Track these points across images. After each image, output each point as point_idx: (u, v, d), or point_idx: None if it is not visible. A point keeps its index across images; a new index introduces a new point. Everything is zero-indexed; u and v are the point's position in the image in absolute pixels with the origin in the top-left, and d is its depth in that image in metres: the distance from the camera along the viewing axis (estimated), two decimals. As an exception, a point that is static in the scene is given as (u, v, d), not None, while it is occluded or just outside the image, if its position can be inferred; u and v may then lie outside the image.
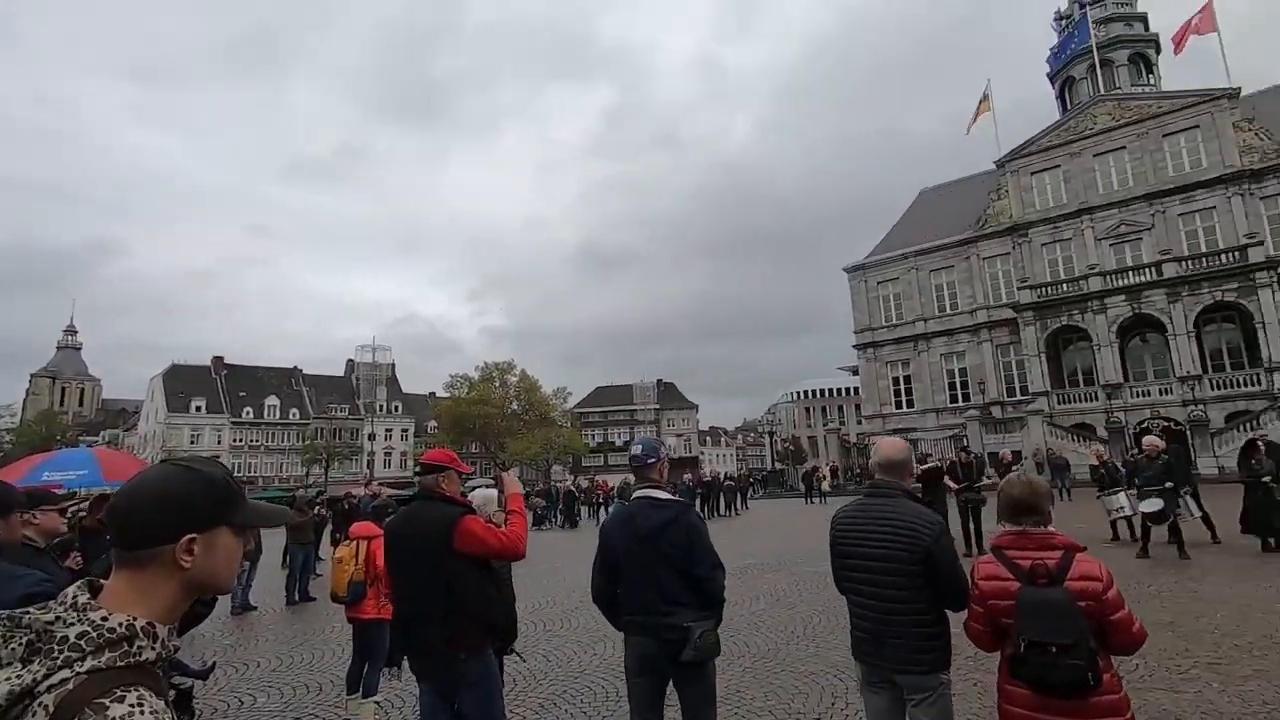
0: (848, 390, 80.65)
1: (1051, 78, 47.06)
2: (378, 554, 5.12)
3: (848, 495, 31.49)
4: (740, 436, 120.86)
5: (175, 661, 1.14)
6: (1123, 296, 33.61)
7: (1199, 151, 35.53)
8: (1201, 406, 30.43)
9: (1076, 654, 2.31)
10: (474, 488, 4.87)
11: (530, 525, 4.12)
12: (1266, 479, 10.69)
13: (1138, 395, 33.21)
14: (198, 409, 70.38)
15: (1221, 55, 35.73)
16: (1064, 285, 36.07)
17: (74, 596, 1.02)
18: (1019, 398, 37.65)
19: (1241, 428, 27.53)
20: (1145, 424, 30.23)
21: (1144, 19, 44.94)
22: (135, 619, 1.01)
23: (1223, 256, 32.01)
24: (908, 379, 43.32)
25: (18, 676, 0.93)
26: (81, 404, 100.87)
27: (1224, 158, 34.58)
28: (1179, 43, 36.92)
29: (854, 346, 46.18)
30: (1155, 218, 36.13)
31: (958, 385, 41.31)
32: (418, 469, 3.76)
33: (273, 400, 75.17)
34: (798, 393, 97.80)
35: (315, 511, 14.23)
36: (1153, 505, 10.63)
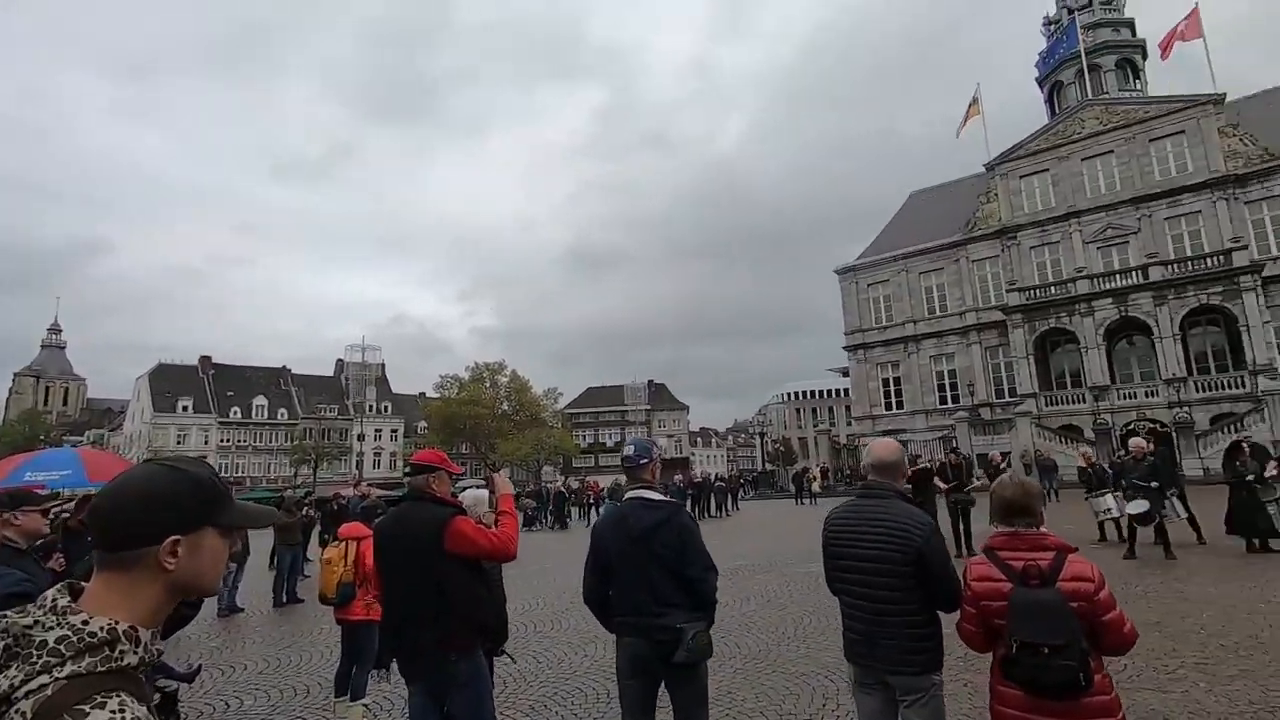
0: (838, 392, 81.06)
1: (1040, 82, 47.47)
2: (367, 555, 5.08)
3: (838, 496, 31.56)
4: (731, 437, 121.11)
5: (160, 664, 1.11)
6: (1110, 299, 33.93)
7: (1185, 156, 35.94)
8: (1187, 408, 30.75)
9: (1068, 655, 2.31)
10: (464, 488, 4.84)
11: (520, 526, 4.09)
12: (1249, 478, 10.82)
13: (1124, 397, 33.53)
14: (185, 409, 69.72)
15: (1207, 61, 36.19)
16: (1052, 288, 36.38)
17: (53, 599, 0.99)
18: (1008, 399, 37.92)
19: (1226, 429, 27.84)
20: (1132, 426, 30.52)
21: (1131, 25, 45.43)
22: (117, 622, 0.99)
23: (1208, 260, 32.39)
24: (897, 380, 43.53)
25: None
26: (66, 404, 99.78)
27: (1209, 162, 34.98)
28: (1165, 49, 37.33)
29: (844, 348, 46.38)
30: (1142, 221, 36.50)
31: (947, 387, 41.55)
32: (408, 469, 3.73)
33: (261, 400, 74.56)
34: (788, 394, 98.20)
35: (303, 512, 14.12)
36: (1139, 506, 10.74)
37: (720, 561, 3.33)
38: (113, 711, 0.90)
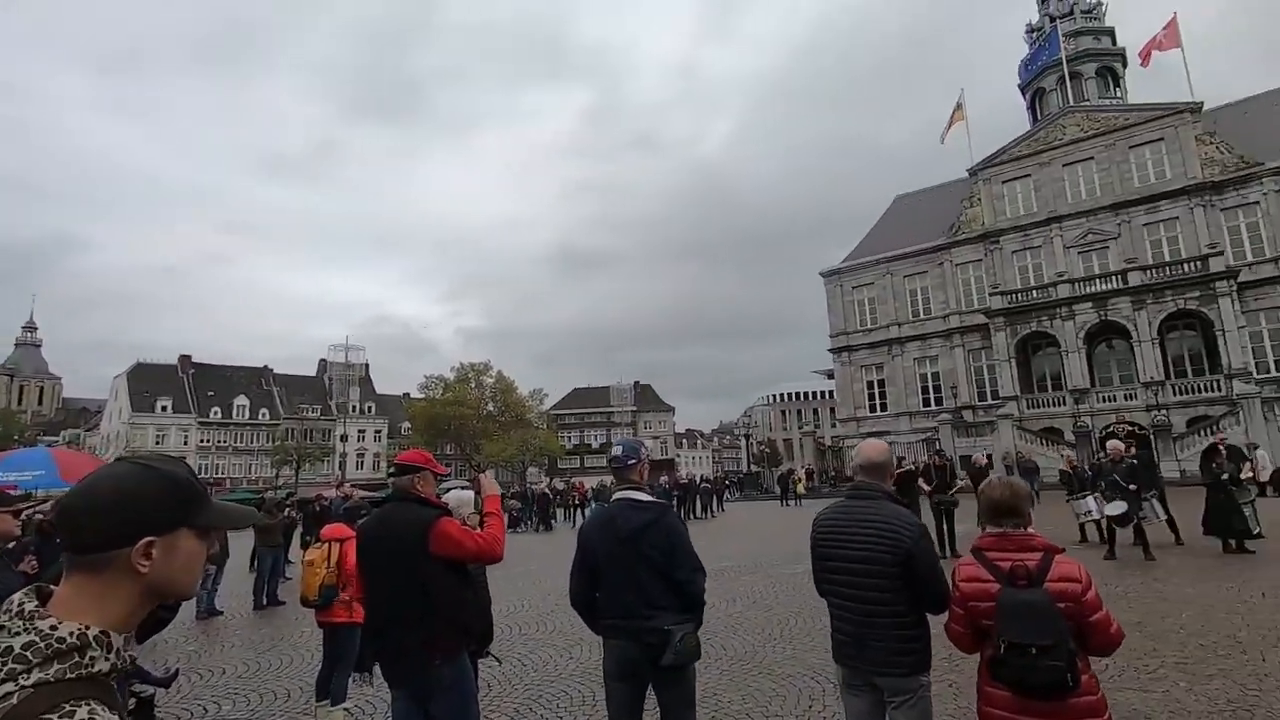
0: (823, 394, 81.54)
1: (1023, 89, 48.14)
2: (349, 556, 5.01)
3: (823, 497, 31.74)
4: (716, 439, 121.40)
5: (137, 669, 1.07)
6: (1090, 304, 34.42)
7: (1163, 163, 36.57)
8: (1164, 411, 31.25)
9: (1056, 655, 2.32)
10: (448, 489, 4.78)
11: (505, 527, 4.04)
12: (1224, 478, 11.01)
13: (1104, 400, 34.03)
14: (164, 409, 68.69)
15: (1185, 71, 36.90)
16: (1034, 292, 36.86)
17: (20, 604, 0.95)
18: (990, 402, 38.34)
19: (1202, 432, 28.33)
20: (1111, 428, 30.95)
21: (1111, 33, 46.20)
22: (87, 628, 0.95)
23: (1185, 266, 32.97)
24: (881, 383, 43.87)
25: None
26: (41, 403, 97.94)
27: (1187, 170, 35.63)
28: (1145, 57, 38.00)
29: (829, 350, 46.68)
30: (1121, 227, 37.08)
31: (930, 389, 41.94)
32: (392, 470, 3.67)
33: (242, 400, 73.65)
34: (773, 396, 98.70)
35: (285, 514, 13.94)
36: (1117, 508, 10.90)
37: (706, 563, 3.31)
38: (81, 720, 0.86)
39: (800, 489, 33.26)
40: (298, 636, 8.67)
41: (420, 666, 3.13)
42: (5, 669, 0.88)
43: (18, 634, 0.91)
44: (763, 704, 5.20)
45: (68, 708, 0.87)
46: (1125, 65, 45.20)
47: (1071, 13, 46.62)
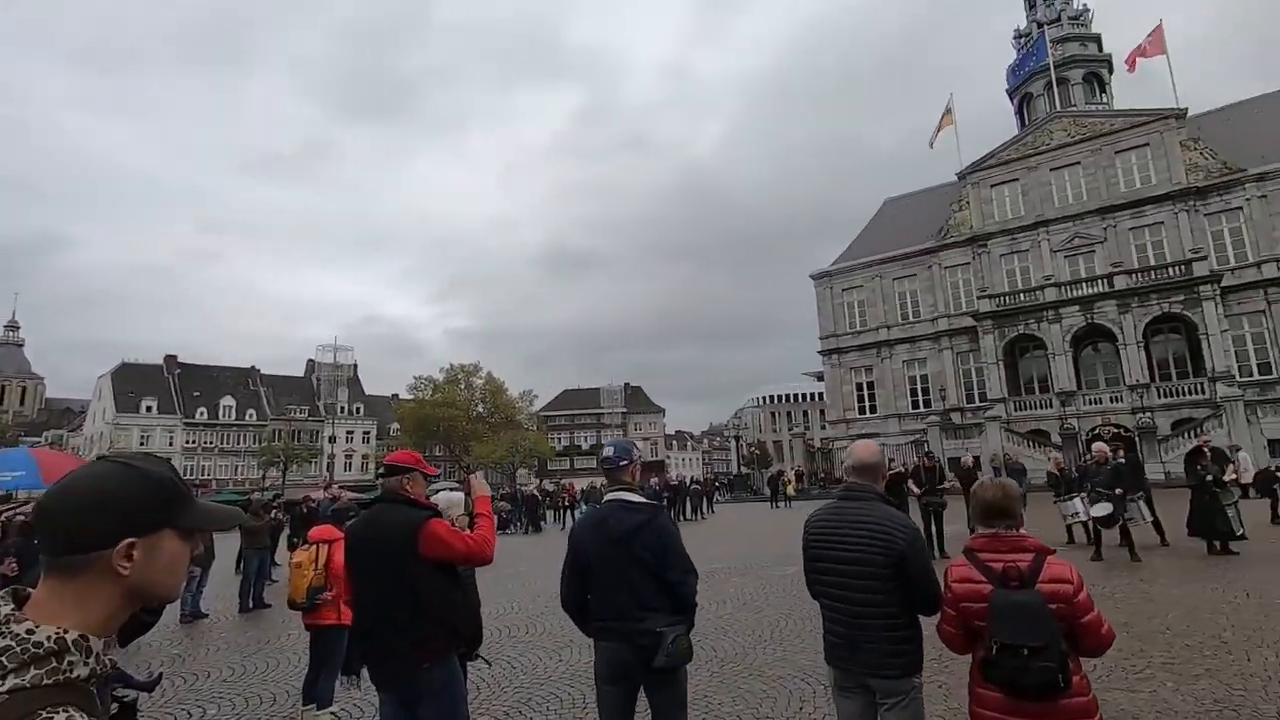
0: (813, 396, 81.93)
1: (1011, 94, 48.56)
2: (337, 557, 4.96)
3: (812, 499, 31.84)
4: (706, 440, 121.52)
5: (119, 673, 1.04)
6: (1076, 307, 34.75)
7: (1149, 169, 37.01)
8: (1149, 414, 31.60)
9: (1048, 656, 2.32)
10: (437, 490, 4.74)
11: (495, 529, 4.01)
12: (1209, 479, 11.12)
13: (1090, 403, 34.34)
14: (149, 409, 67.90)
15: (1170, 77, 37.41)
16: (1021, 295, 37.18)
17: (-5, 607, 0.92)
18: (978, 404, 38.62)
19: (1186, 435, 28.65)
20: (1097, 430, 31.24)
21: (1098, 40, 46.71)
22: (66, 632, 0.92)
23: (1170, 270, 33.35)
24: (871, 385, 44.09)
25: None
26: (23, 403, 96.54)
27: (1171, 175, 36.08)
28: (1131, 64, 38.46)
29: (819, 352, 46.87)
30: (1107, 231, 37.48)
31: (919, 391, 42.18)
32: (381, 471, 3.64)
33: (228, 400, 72.92)
34: (763, 398, 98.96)
35: (271, 515, 13.81)
36: (1102, 509, 11.00)
37: (696, 565, 3.30)
38: (59, 727, 0.84)
39: (790, 490, 33.35)
40: (284, 639, 8.59)
41: (409, 669, 3.10)
42: None
43: (-8, 639, 0.88)
44: (753, 706, 5.19)
45: (44, 714, 0.84)
46: (1111, 71, 45.73)
47: (1059, 19, 47.12)
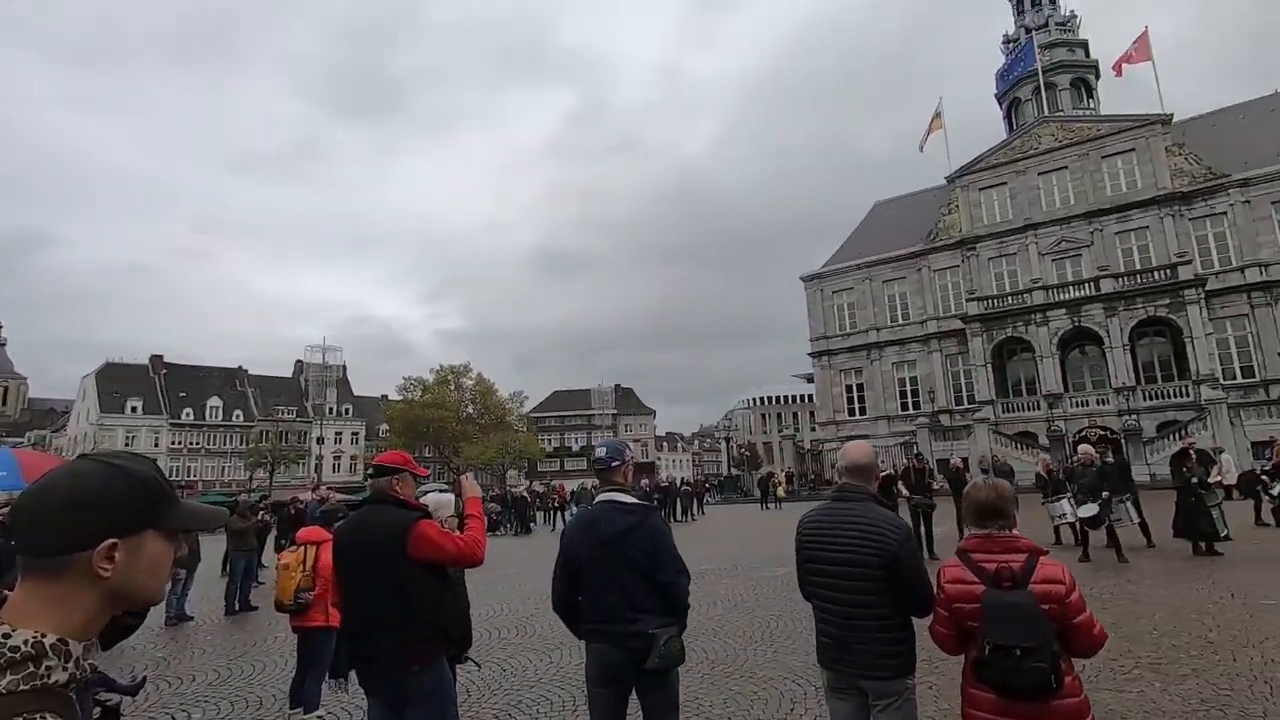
0: (803, 397, 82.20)
1: (999, 98, 48.97)
2: (325, 557, 4.90)
3: (802, 500, 31.93)
4: (697, 442, 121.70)
5: (101, 676, 1.01)
6: (1063, 310, 35.06)
7: (1135, 173, 37.43)
8: (1135, 416, 31.91)
9: (1040, 656, 2.32)
10: (426, 491, 4.69)
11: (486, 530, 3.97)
12: (1194, 481, 11.24)
13: (1076, 405, 34.64)
14: (134, 410, 67.18)
15: (1155, 83, 37.88)
16: (1009, 298, 37.48)
17: (-31, 611, 0.89)
18: (966, 406, 38.87)
19: (1171, 437, 28.96)
20: (1083, 432, 31.51)
21: (1085, 46, 47.20)
22: (43, 636, 0.89)
23: (1155, 274, 33.73)
24: (860, 387, 44.29)
25: None
26: (5, 403, 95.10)
27: (1157, 180, 36.49)
28: (1117, 70, 38.89)
29: (809, 354, 47.01)
30: (1094, 235, 37.86)
31: (908, 393, 42.41)
32: (370, 472, 3.60)
33: (215, 401, 72.27)
34: (753, 399, 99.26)
35: (258, 517, 13.69)
36: (1088, 510, 11.12)
37: (687, 566, 3.28)
38: (36, 735, 0.81)
39: (780, 492, 33.42)
40: (271, 642, 8.50)
41: (398, 672, 3.06)
42: None
43: (-34, 643, 0.85)
44: (744, 708, 5.18)
45: (21, 721, 0.82)
46: (1098, 77, 46.23)
47: (1046, 25, 47.56)
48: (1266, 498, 13.91)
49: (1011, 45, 49.40)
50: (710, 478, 61.54)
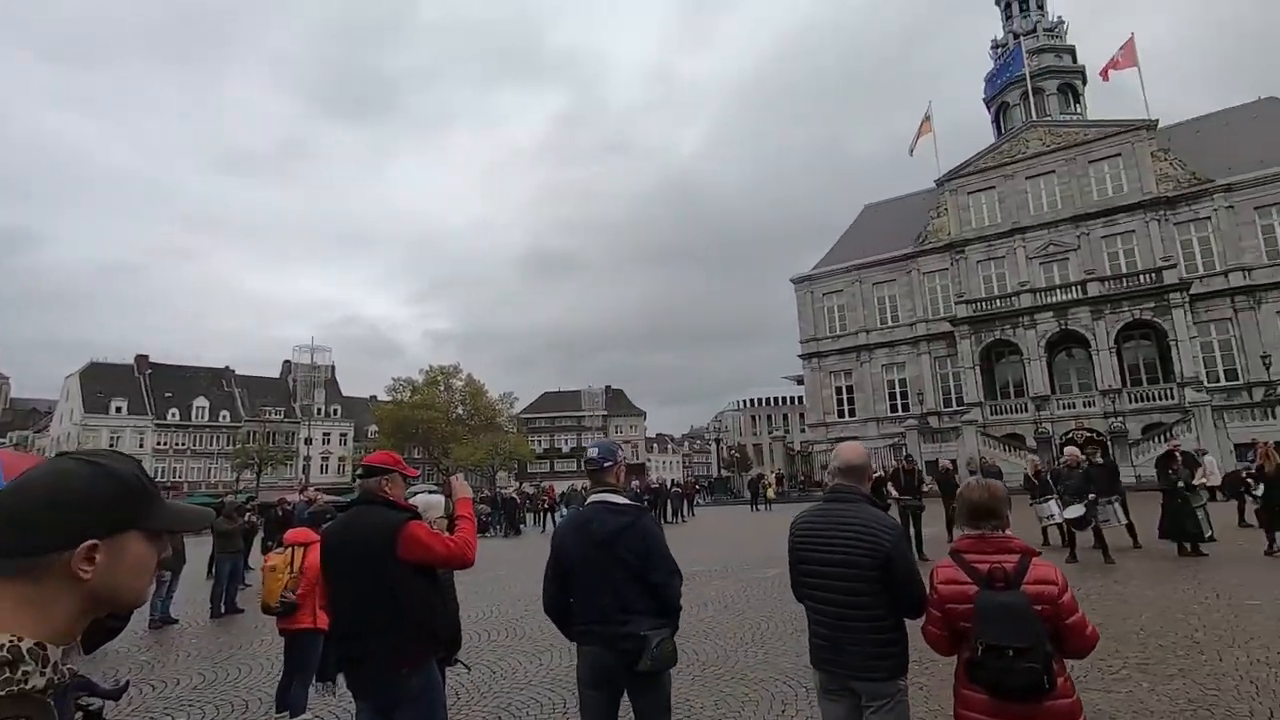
0: (793, 399, 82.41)
1: (988, 103, 49.38)
2: (312, 559, 4.85)
3: (792, 502, 32.00)
4: (687, 444, 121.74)
5: (83, 680, 0.98)
6: (1051, 313, 35.36)
7: (1121, 178, 37.84)
8: (1121, 418, 32.21)
9: (1033, 657, 2.32)
10: (415, 493, 4.64)
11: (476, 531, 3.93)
12: (1180, 484, 11.35)
13: (1063, 407, 34.94)
14: (118, 410, 66.38)
15: (1141, 89, 38.25)
16: (997, 301, 37.76)
17: (-57, 614, 0.86)
18: (955, 408, 39.12)
19: (1156, 439, 29.24)
20: (1070, 434, 31.77)
21: (1072, 51, 47.68)
22: (19, 639, 0.86)
23: (1141, 278, 34.09)
24: (850, 389, 44.47)
25: None
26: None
27: (1143, 185, 36.91)
28: (1104, 76, 39.32)
29: (799, 356, 47.17)
30: (1081, 239, 38.23)
31: (898, 395, 42.64)
32: (359, 473, 3.55)
33: (201, 401, 71.54)
34: (743, 401, 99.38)
35: (245, 519, 13.53)
36: (1075, 511, 11.21)
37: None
38: (11, 742, 0.78)
39: (770, 494, 33.48)
40: (257, 645, 8.41)
41: (386, 675, 3.03)
42: None
43: (-61, 647, 0.82)
44: (735, 709, 5.17)
45: (-5, 728, 0.79)
46: (1085, 82, 46.70)
47: (1034, 30, 48.00)
48: (1250, 499, 14.06)
49: (1000, 50, 49.79)
50: (700, 479, 61.63)
